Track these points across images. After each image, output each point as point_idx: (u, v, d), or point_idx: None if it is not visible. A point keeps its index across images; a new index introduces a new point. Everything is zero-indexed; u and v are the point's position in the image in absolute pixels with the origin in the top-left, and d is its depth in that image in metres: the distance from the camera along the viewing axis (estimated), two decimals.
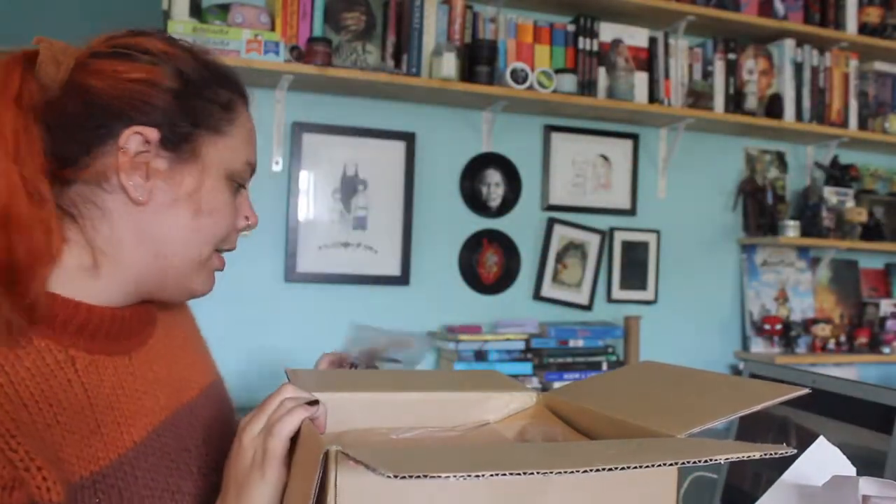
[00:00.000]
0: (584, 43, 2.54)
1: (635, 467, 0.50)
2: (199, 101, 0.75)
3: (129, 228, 0.73)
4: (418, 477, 0.46)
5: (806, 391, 0.66)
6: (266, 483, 0.67)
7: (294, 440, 0.67)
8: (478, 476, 0.47)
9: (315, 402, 0.71)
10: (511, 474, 0.48)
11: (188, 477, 0.76)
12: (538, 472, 0.49)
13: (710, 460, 0.53)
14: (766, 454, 0.53)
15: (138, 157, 0.72)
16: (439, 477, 0.46)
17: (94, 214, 0.72)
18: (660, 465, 0.51)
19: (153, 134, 0.72)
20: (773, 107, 2.76)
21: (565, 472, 0.50)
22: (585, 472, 0.50)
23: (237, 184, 0.79)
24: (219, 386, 0.94)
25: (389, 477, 0.46)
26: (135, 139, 0.71)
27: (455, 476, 0.46)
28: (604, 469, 0.50)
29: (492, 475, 0.47)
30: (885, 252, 3.04)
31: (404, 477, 0.46)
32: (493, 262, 2.59)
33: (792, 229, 2.76)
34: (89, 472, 0.66)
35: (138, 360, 0.77)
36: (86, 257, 0.73)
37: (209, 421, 0.84)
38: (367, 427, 0.79)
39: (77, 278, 0.72)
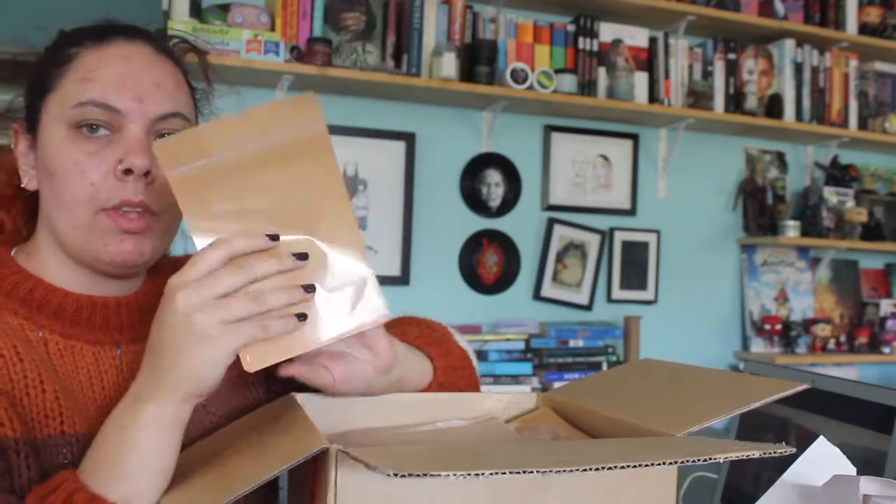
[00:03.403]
0: (584, 43, 2.54)
1: (635, 466, 0.50)
2: (38, 75, 0.76)
3: (40, 214, 0.77)
4: (419, 476, 0.46)
5: (805, 386, 0.66)
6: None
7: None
8: (478, 475, 0.47)
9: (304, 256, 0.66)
10: (511, 473, 0.48)
11: None
12: (538, 472, 0.49)
13: (710, 459, 0.53)
14: (765, 453, 0.53)
15: (29, 152, 0.77)
16: (439, 475, 0.46)
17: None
18: (660, 465, 0.51)
19: (20, 125, 0.78)
20: (773, 107, 2.76)
21: (565, 472, 0.50)
22: (585, 470, 0.50)
23: (102, 129, 0.72)
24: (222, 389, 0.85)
25: (390, 475, 0.46)
26: (17, 137, 0.78)
27: (455, 475, 0.46)
28: (604, 468, 0.50)
29: (492, 474, 0.47)
30: (885, 252, 3.04)
31: (405, 476, 0.46)
32: (493, 262, 2.59)
33: (792, 229, 2.76)
34: (59, 431, 0.68)
35: (129, 357, 0.76)
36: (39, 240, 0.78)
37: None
38: (367, 427, 0.79)
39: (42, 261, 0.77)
